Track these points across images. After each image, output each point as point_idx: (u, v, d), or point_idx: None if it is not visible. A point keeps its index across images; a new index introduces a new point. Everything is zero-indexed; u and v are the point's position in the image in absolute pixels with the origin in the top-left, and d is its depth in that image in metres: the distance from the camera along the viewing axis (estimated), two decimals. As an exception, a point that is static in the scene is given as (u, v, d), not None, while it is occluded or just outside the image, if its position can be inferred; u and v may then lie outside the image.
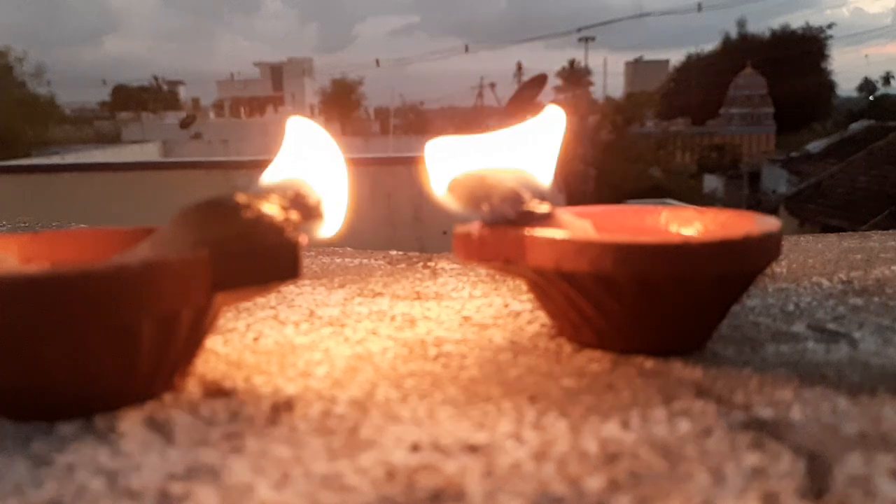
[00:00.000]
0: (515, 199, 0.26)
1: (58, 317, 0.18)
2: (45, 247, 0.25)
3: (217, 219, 0.22)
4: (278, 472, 0.17)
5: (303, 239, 0.23)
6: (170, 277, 0.20)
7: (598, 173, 11.45)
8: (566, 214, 0.27)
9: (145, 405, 0.21)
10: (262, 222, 0.22)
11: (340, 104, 21.29)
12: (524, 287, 0.36)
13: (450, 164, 0.27)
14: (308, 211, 0.24)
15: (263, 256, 0.22)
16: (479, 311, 0.32)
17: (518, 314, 0.31)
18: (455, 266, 0.42)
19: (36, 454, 0.18)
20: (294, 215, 0.23)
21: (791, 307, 0.32)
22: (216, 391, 0.23)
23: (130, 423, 0.20)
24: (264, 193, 0.23)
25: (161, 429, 0.20)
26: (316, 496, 0.16)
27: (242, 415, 0.21)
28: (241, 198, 0.22)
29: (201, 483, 0.17)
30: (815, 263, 0.41)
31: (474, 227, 0.26)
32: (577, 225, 0.27)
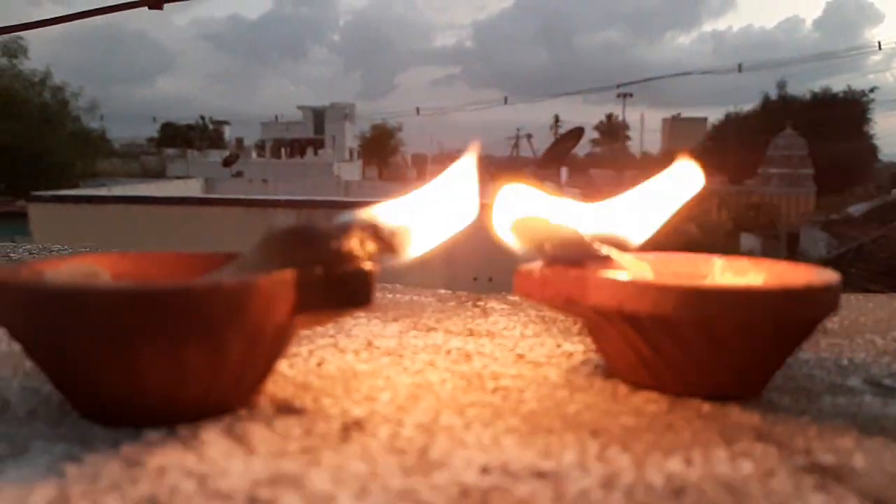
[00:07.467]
0: (577, 240, 0.27)
1: (155, 329, 0.20)
2: (133, 266, 0.27)
3: (300, 245, 0.23)
4: (357, 485, 0.18)
5: (377, 268, 0.24)
6: (259, 296, 0.21)
7: (633, 227, 11.38)
8: (626, 257, 0.28)
9: (223, 418, 0.23)
10: (342, 251, 0.24)
11: (379, 149, 21.72)
12: (574, 329, 0.37)
13: (515, 206, 0.29)
14: (384, 243, 0.25)
15: (341, 283, 0.23)
16: (532, 349, 0.33)
17: (571, 354, 0.32)
18: (504, 306, 0.43)
19: (127, 456, 0.20)
20: (371, 246, 0.25)
21: (845, 362, 0.32)
22: (287, 409, 0.24)
23: (212, 432, 0.21)
24: (344, 224, 0.25)
25: (241, 440, 0.21)
26: (395, 508, 0.17)
27: (315, 432, 0.22)
28: (322, 226, 0.24)
29: (286, 490, 0.18)
30: (867, 321, 0.40)
31: (536, 266, 0.27)
32: (636, 268, 0.28)
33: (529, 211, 0.29)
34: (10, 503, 0.17)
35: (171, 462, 0.19)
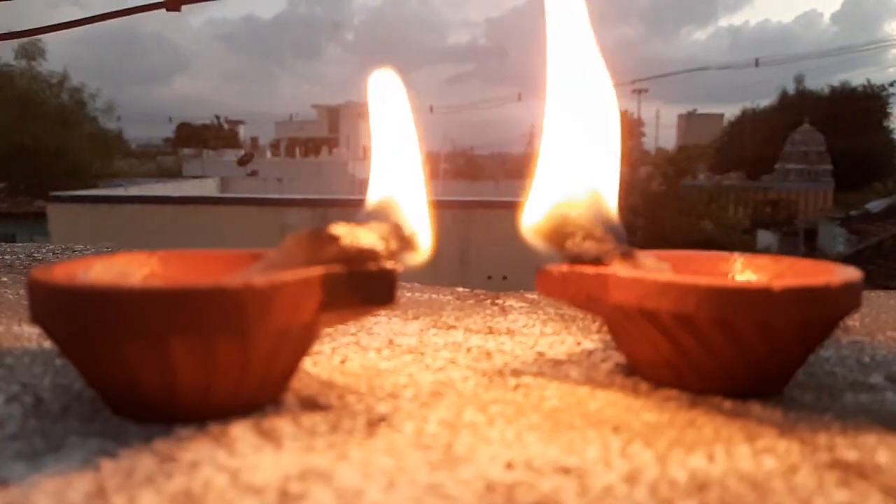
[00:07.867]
0: (598, 238, 0.27)
1: (188, 327, 0.20)
2: (161, 265, 0.28)
3: (324, 245, 0.24)
4: (385, 479, 0.18)
5: (398, 267, 0.25)
6: (288, 295, 0.21)
7: (647, 224, 11.34)
8: (646, 256, 0.28)
9: (251, 414, 0.23)
10: (365, 250, 0.24)
11: (393, 147, 21.70)
12: (593, 327, 0.37)
13: (535, 204, 0.29)
14: (404, 242, 0.26)
15: (365, 281, 0.24)
16: (552, 347, 0.33)
17: (591, 352, 0.32)
18: (523, 304, 0.43)
19: (160, 451, 0.20)
20: (393, 245, 0.25)
21: (867, 359, 0.32)
22: (313, 406, 0.24)
23: (241, 428, 0.22)
24: (367, 224, 0.25)
25: (269, 435, 0.21)
26: (423, 501, 0.17)
27: (342, 427, 0.22)
28: (346, 227, 0.24)
29: (316, 484, 0.18)
30: (888, 318, 0.40)
31: (557, 265, 0.28)
32: (657, 266, 0.28)
33: (549, 208, 0.29)
34: (49, 496, 0.17)
35: (203, 457, 0.20)
